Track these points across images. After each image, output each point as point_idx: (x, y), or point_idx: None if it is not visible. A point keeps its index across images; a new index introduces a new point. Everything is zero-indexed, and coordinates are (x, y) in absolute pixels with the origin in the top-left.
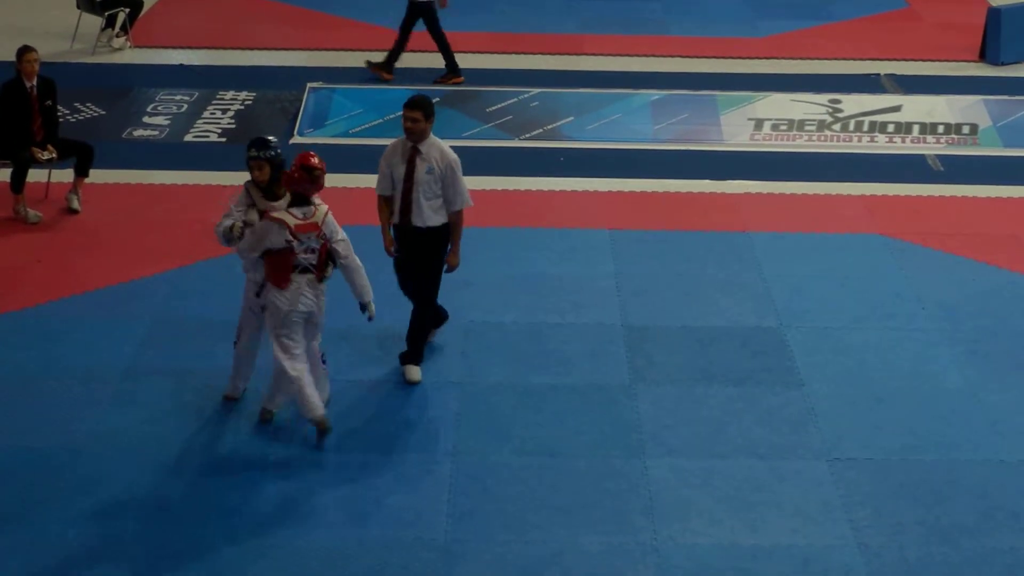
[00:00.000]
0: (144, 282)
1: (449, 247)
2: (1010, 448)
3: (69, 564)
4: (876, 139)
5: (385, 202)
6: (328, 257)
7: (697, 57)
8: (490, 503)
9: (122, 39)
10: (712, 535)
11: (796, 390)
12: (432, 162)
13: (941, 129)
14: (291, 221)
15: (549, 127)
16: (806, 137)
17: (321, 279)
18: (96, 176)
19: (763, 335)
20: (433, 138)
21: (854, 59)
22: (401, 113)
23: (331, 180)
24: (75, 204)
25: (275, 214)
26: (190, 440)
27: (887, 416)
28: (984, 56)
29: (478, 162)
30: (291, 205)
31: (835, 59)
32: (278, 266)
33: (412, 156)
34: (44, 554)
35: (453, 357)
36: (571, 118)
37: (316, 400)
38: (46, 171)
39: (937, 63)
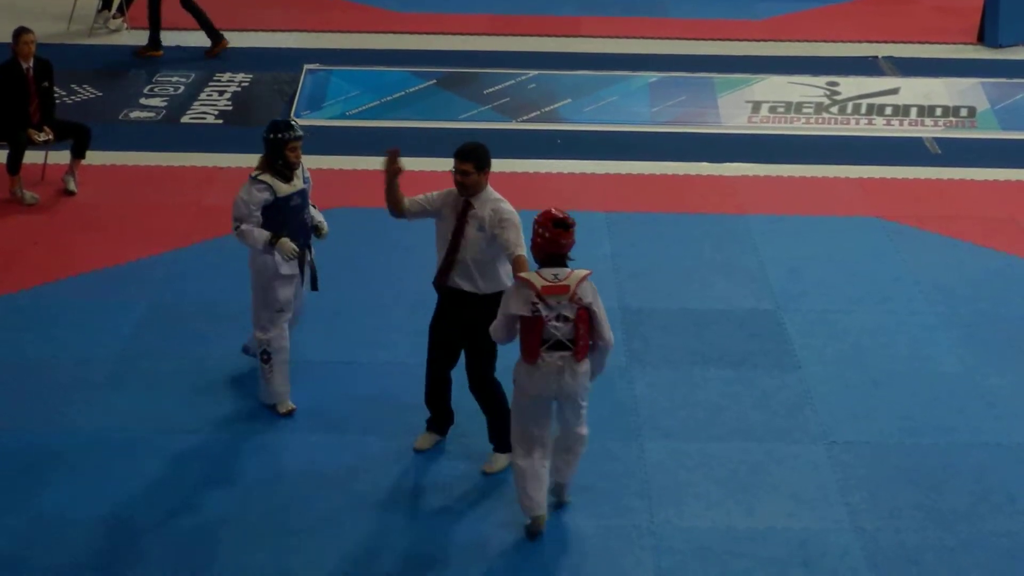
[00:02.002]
0: (141, 264)
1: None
2: (1007, 431)
3: (63, 547)
4: (874, 122)
5: (400, 209)
6: (591, 330)
7: (695, 39)
8: (487, 485)
9: (119, 20)
10: (709, 518)
11: (793, 373)
12: (484, 220)
13: (939, 112)
14: (538, 282)
15: (546, 109)
16: (804, 120)
17: (581, 357)
18: (93, 158)
19: (760, 318)
20: (489, 191)
21: (852, 42)
22: (398, 95)
23: (327, 162)
24: (71, 186)
25: (522, 274)
26: (185, 422)
27: (884, 399)
28: (982, 39)
29: None
30: (544, 266)
31: (833, 42)
32: (526, 336)
33: (464, 211)
34: (39, 538)
35: None
36: (568, 100)
37: (536, 499)
38: (43, 153)
39: (935, 46)
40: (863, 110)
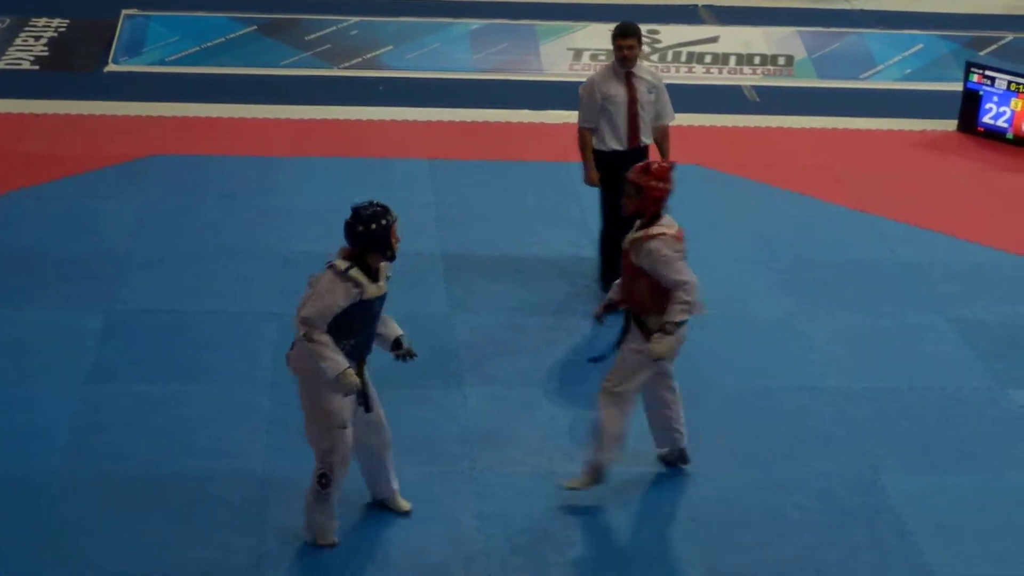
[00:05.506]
0: None
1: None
2: (823, 376)
3: None
4: (694, 70)
5: (590, 133)
6: None
7: None
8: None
9: None
10: (529, 464)
11: (614, 319)
12: (649, 83)
13: (757, 60)
14: (671, 231)
15: (368, 56)
16: None
17: None
18: None
19: (582, 265)
20: (640, 61)
21: None
22: (218, 41)
23: (147, 109)
24: None
25: (652, 231)
26: (6, 374)
27: (701, 345)
28: None
29: (296, 91)
30: (652, 222)
31: None
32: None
33: (630, 81)
34: None
35: (272, 289)
36: (390, 47)
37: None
38: None
39: None
40: (683, 58)
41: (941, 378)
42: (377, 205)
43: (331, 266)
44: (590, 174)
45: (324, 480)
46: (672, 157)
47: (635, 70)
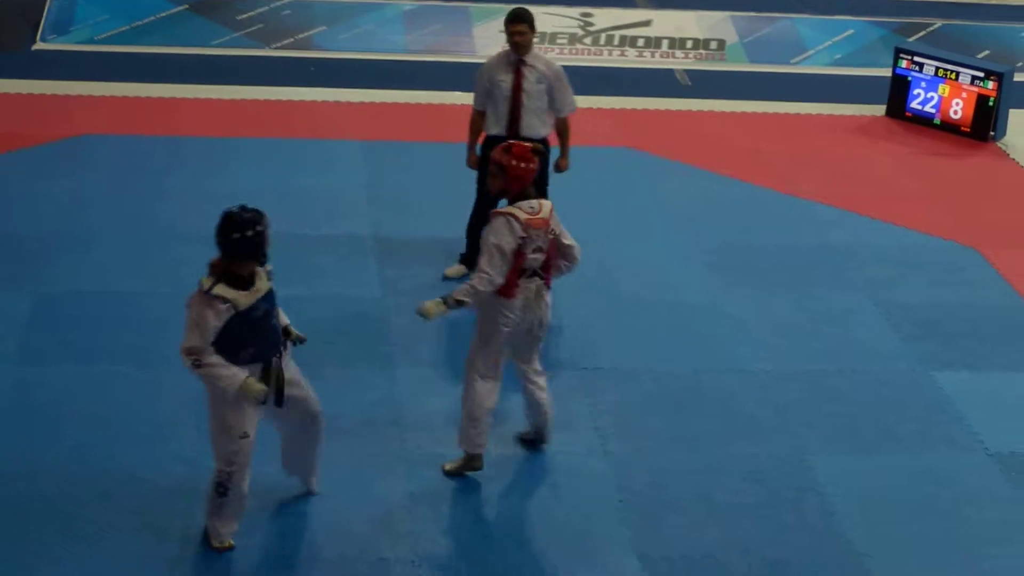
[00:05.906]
0: None
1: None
2: (750, 358)
3: None
4: (626, 53)
5: (479, 116)
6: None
7: None
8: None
9: None
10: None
11: None
12: (540, 72)
13: (690, 44)
14: (522, 216)
15: (301, 36)
16: (557, 50)
17: (549, 285)
18: None
19: None
20: (536, 49)
21: None
22: (149, 20)
23: (76, 88)
24: None
25: (503, 209)
26: None
27: (633, 327)
28: None
29: (228, 72)
30: (518, 198)
31: None
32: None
33: (519, 68)
34: None
35: (204, 270)
36: (323, 27)
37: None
38: None
39: None
40: (616, 41)
41: (867, 361)
42: (251, 210)
43: (199, 286)
44: (470, 157)
45: (221, 489)
46: (605, 140)
47: (528, 58)
